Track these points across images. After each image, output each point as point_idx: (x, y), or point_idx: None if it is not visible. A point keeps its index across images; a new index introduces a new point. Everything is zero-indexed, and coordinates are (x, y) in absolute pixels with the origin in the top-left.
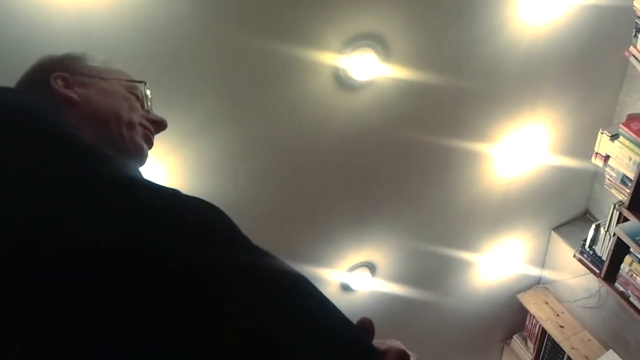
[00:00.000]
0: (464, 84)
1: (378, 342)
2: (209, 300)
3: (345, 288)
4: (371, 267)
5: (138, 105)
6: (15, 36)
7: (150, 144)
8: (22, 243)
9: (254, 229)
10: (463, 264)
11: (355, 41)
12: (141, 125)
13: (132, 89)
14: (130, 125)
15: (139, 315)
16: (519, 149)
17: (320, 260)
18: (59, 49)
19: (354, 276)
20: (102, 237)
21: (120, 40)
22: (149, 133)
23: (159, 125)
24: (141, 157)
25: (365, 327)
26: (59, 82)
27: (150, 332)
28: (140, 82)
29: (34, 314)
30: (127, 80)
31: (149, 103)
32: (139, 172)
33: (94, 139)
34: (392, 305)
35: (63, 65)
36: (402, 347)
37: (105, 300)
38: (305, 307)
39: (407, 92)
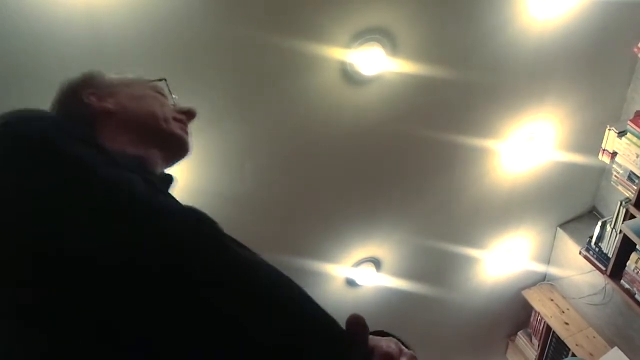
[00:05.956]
0: (471, 79)
1: (374, 339)
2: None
3: (351, 283)
4: (376, 263)
5: (167, 102)
6: (19, 33)
7: (187, 134)
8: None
9: (261, 224)
10: (469, 260)
11: (363, 36)
12: (174, 119)
13: (156, 89)
14: (166, 120)
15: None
16: (526, 145)
17: (325, 255)
18: (66, 47)
19: (360, 272)
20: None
21: (128, 37)
22: (183, 125)
23: (190, 114)
24: (185, 147)
25: (353, 325)
26: (92, 98)
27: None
28: (161, 80)
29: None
30: (149, 82)
31: (174, 97)
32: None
33: (137, 142)
34: (397, 301)
35: (87, 84)
36: (394, 348)
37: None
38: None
39: (414, 87)
